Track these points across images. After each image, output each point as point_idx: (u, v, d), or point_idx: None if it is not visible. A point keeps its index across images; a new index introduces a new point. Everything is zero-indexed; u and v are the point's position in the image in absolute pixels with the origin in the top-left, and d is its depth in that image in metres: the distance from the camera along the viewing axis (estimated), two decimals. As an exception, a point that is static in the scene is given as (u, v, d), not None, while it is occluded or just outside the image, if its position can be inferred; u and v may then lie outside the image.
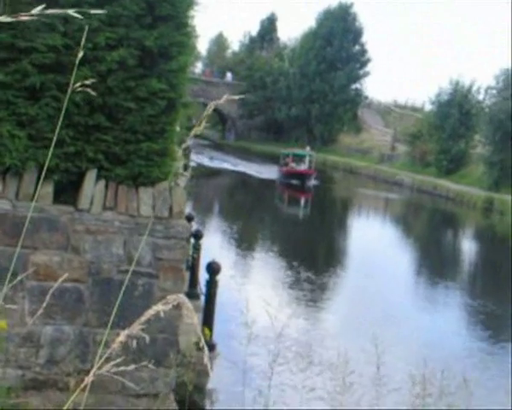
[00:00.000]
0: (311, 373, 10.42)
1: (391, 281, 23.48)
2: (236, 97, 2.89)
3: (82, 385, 2.36)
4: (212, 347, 11.27)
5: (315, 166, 58.70)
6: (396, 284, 23.01)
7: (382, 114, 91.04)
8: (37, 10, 1.97)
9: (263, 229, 34.20)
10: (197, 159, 54.19)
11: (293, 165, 57.40)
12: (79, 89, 2.29)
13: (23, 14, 1.98)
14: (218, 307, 11.94)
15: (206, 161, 61.32)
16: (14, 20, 1.92)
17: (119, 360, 2.44)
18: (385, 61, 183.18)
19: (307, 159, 58.35)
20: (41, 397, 8.11)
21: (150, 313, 2.32)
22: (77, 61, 1.98)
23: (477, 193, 51.60)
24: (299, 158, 58.95)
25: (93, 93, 2.32)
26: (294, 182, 53.97)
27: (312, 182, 55.67)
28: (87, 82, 2.18)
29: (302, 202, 48.81)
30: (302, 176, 54.99)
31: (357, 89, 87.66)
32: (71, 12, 1.97)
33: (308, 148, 63.66)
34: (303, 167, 57.21)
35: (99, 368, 2.33)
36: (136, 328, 2.29)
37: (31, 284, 7.95)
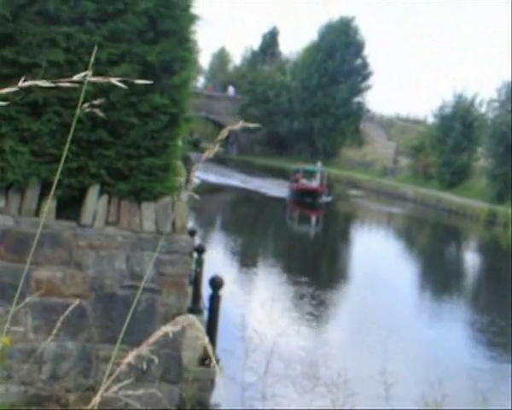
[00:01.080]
0: (310, 391, 10.37)
1: (397, 296, 23.39)
2: (251, 125, 2.87)
3: (89, 406, 2.35)
4: (216, 361, 11.22)
5: (327, 183, 56.31)
6: (401, 299, 22.93)
7: (385, 127, 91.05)
8: (79, 76, 1.96)
9: (270, 248, 33.50)
10: (201, 175, 52.76)
11: (303, 181, 54.64)
12: (87, 108, 2.27)
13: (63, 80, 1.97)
14: (221, 322, 11.92)
15: (211, 177, 59.80)
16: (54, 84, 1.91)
17: (126, 383, 2.42)
18: (387, 74, 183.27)
19: (318, 175, 55.35)
20: (44, 413, 8.09)
21: (159, 334, 2.30)
22: (86, 80, 1.95)
23: (480, 206, 51.56)
24: (309, 174, 56.02)
25: (101, 114, 2.30)
26: (305, 199, 51.46)
27: (324, 199, 53.57)
28: (96, 102, 2.17)
29: (313, 220, 47.37)
30: (313, 193, 52.47)
31: (359, 102, 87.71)
32: (114, 81, 1.97)
33: (319, 164, 60.57)
34: (314, 184, 54.28)
35: (106, 389, 2.31)
36: (144, 349, 2.26)
37: (33, 300, 7.93)
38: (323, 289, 22.73)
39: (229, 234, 33.91)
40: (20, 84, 1.89)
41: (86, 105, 2.23)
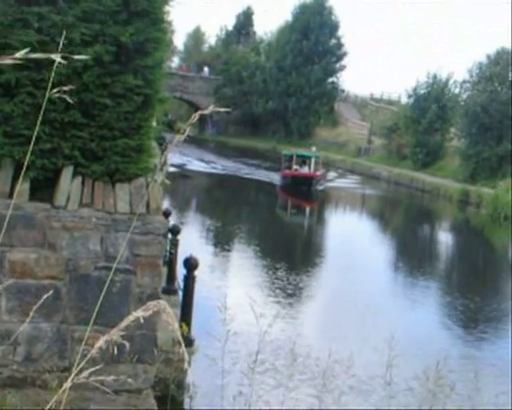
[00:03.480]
0: (292, 372, 10.44)
1: (372, 278, 23.51)
2: (222, 109, 2.89)
3: (61, 391, 2.36)
4: (190, 342, 11.27)
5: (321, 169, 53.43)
6: (375, 282, 23.05)
7: (359, 108, 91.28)
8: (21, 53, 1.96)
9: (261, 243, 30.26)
10: (176, 158, 50.73)
11: (296, 168, 50.69)
12: (56, 92, 2.27)
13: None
14: (196, 302, 11.96)
15: (187, 162, 57.03)
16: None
17: (98, 367, 2.43)
18: (361, 54, 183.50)
19: (313, 160, 51.59)
20: (19, 395, 8.08)
21: (130, 319, 2.32)
22: (57, 59, 1.94)
23: (453, 186, 51.88)
24: (303, 160, 52.15)
25: (71, 101, 2.31)
26: (299, 187, 47.28)
27: (319, 187, 50.59)
28: (65, 88, 2.17)
29: (307, 211, 44.22)
30: (308, 181, 48.36)
31: (333, 82, 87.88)
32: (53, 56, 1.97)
33: (314, 148, 56.39)
34: (308, 170, 50.62)
35: (79, 372, 2.33)
36: (115, 334, 2.28)
37: (8, 282, 7.91)
38: (299, 271, 22.81)
39: (218, 229, 31.14)
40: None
41: (55, 90, 2.23)
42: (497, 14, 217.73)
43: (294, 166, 50.92)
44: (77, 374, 2.16)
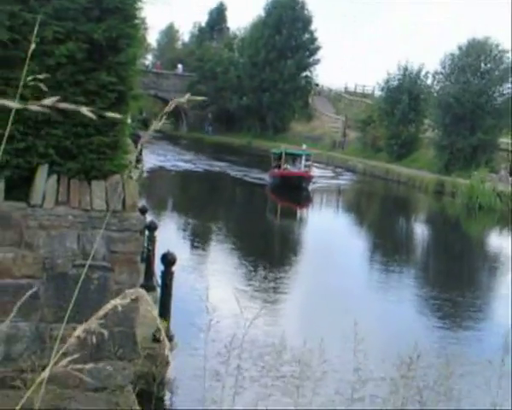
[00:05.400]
0: (274, 362, 10.49)
1: (348, 271, 23.63)
2: (199, 98, 2.91)
3: (38, 381, 2.37)
4: (169, 338, 11.29)
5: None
6: (352, 274, 23.18)
7: (333, 101, 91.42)
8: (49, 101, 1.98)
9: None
10: (151, 158, 49.55)
11: (287, 166, 47.57)
12: (30, 83, 2.28)
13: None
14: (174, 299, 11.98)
15: (162, 161, 55.72)
16: None
17: (76, 356, 2.45)
18: (335, 48, 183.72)
19: (303, 158, 48.58)
20: (-1, 395, 8.06)
21: (108, 307, 2.33)
22: (29, 54, 1.95)
23: (428, 177, 52.16)
24: (293, 158, 49.06)
25: (45, 88, 2.31)
26: (289, 188, 44.25)
27: (310, 187, 47.66)
28: (40, 76, 2.18)
29: (298, 214, 41.46)
30: (299, 180, 45.60)
31: (307, 76, 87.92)
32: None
33: (304, 146, 52.66)
34: (299, 169, 47.46)
35: (56, 363, 2.34)
36: (93, 323, 2.29)
37: (-16, 282, 7.90)
38: (278, 267, 22.86)
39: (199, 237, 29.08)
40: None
41: (30, 78, 2.25)
42: (468, 5, 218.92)
43: (284, 165, 47.59)
44: (55, 364, 2.17)
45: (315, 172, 50.79)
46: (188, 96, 2.67)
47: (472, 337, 16.71)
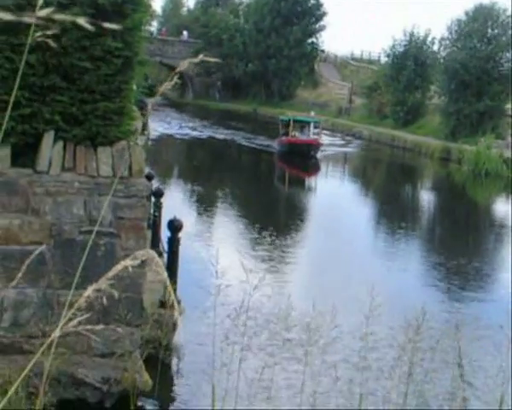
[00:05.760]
0: (280, 326, 10.52)
1: (356, 238, 23.64)
2: (212, 59, 2.88)
3: (47, 341, 2.37)
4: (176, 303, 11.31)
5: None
6: (360, 240, 23.19)
7: (339, 68, 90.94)
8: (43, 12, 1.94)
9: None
10: (156, 126, 49.14)
11: (295, 134, 46.10)
12: (39, 36, 2.23)
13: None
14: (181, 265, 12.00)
15: (167, 128, 54.89)
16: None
17: (84, 317, 2.45)
18: (341, 14, 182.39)
19: (312, 125, 47.47)
20: (7, 361, 8.11)
21: (118, 268, 2.32)
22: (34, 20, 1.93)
23: (434, 143, 51.98)
24: (301, 125, 47.83)
25: (54, 44, 2.28)
26: (298, 155, 43.17)
27: (319, 154, 46.40)
28: (49, 32, 2.15)
29: (306, 182, 40.70)
30: (308, 148, 44.27)
31: (313, 43, 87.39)
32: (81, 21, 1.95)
33: (313, 113, 53.15)
34: (308, 137, 46.30)
35: (65, 326, 2.33)
36: (103, 283, 2.28)
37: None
38: (286, 233, 22.89)
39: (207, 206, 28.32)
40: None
41: (39, 34, 2.21)
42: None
43: (292, 132, 46.13)
44: (65, 324, 2.16)
45: (324, 139, 49.82)
46: (201, 56, 2.63)
47: (479, 303, 16.71)
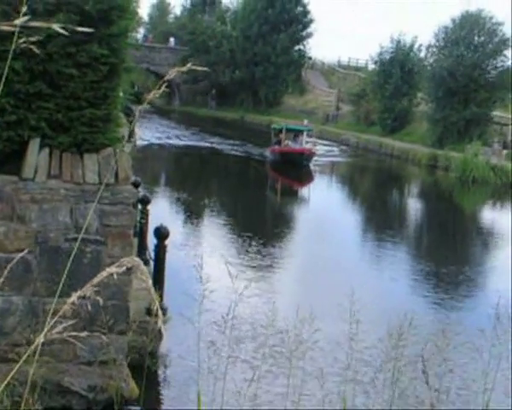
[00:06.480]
0: (264, 332, 10.51)
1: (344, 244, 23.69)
2: (200, 68, 2.86)
3: (31, 347, 2.36)
4: (163, 311, 11.28)
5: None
6: (347, 247, 23.24)
7: (326, 75, 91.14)
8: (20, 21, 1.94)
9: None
10: (145, 134, 48.90)
11: (287, 143, 45.34)
12: (22, 43, 2.23)
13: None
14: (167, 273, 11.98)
15: (154, 136, 54.58)
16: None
17: (69, 323, 2.44)
18: (328, 21, 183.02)
19: (305, 134, 46.77)
20: (-8, 369, 8.06)
21: (104, 275, 2.31)
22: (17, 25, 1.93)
23: (421, 150, 52.16)
24: (294, 134, 46.84)
25: (37, 51, 2.27)
26: (290, 165, 42.47)
27: (312, 164, 45.61)
28: (32, 39, 2.15)
29: (299, 193, 39.66)
30: (300, 157, 43.08)
31: (300, 50, 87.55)
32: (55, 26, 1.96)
33: (306, 121, 52.74)
34: (301, 146, 45.24)
35: (49, 333, 2.32)
36: (89, 290, 2.28)
37: (-23, 256, 7.88)
38: (272, 241, 22.91)
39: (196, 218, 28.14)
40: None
41: (23, 40, 2.21)
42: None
43: (285, 141, 45.33)
44: (49, 330, 2.15)
45: (317, 149, 48.99)
46: (189, 65, 2.63)
47: (464, 308, 16.79)
